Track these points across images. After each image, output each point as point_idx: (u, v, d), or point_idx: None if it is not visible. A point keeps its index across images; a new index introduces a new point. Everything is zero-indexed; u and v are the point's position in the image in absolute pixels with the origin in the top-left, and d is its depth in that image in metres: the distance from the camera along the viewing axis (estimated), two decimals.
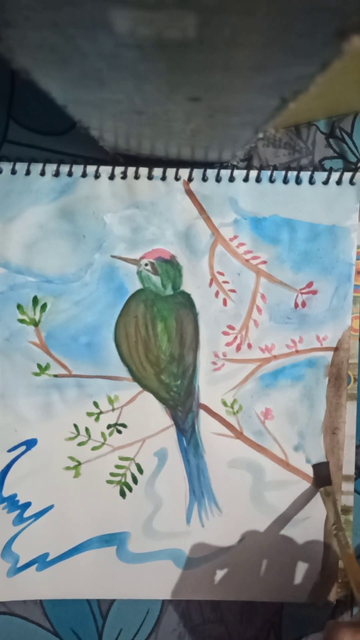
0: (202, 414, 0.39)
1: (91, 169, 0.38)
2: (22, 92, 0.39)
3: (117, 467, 0.39)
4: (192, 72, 0.19)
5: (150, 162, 0.38)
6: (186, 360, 0.39)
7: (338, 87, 0.35)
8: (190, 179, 0.38)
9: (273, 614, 0.40)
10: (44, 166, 0.38)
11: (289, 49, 0.16)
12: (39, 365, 0.38)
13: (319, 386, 0.39)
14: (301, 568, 0.39)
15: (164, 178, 0.38)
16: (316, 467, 0.39)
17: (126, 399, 0.39)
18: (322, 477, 0.39)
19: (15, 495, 0.39)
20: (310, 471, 0.39)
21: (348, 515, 0.40)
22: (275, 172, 0.38)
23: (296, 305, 0.39)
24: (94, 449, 0.39)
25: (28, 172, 0.38)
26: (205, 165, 0.38)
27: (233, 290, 0.39)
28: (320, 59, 0.16)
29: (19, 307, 0.38)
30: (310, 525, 0.39)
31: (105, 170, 0.38)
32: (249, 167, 0.39)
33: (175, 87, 0.21)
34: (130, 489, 0.39)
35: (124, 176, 0.38)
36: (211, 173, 0.38)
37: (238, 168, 0.38)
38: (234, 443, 0.39)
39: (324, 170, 0.39)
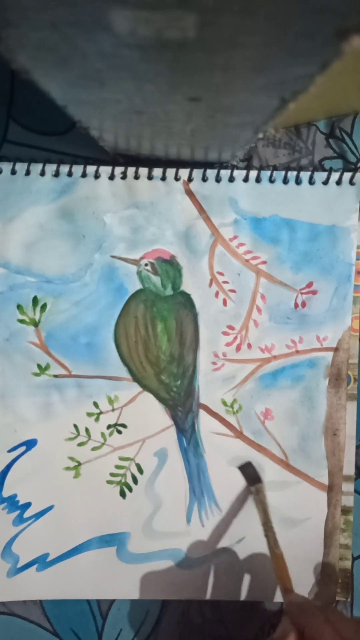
0: (202, 413, 0.39)
1: (91, 169, 0.38)
2: (22, 92, 0.39)
3: (117, 467, 0.39)
4: (192, 72, 0.19)
5: (150, 162, 0.38)
6: (186, 360, 0.39)
7: (338, 87, 0.35)
8: (190, 179, 0.38)
9: (273, 614, 0.40)
10: (43, 166, 0.38)
11: (289, 49, 0.16)
12: (39, 366, 0.38)
13: (319, 387, 0.39)
14: (301, 568, 0.39)
15: (163, 178, 0.38)
16: (242, 468, 0.39)
17: (126, 399, 0.39)
18: (251, 475, 0.39)
19: (15, 496, 0.39)
20: (311, 472, 0.39)
21: (348, 515, 0.40)
22: (275, 172, 0.38)
23: (296, 306, 0.39)
24: (94, 449, 0.39)
25: (28, 172, 0.38)
26: (205, 165, 0.38)
27: (233, 291, 0.39)
28: (320, 59, 0.16)
29: (19, 307, 0.38)
30: (310, 526, 0.39)
31: (105, 170, 0.38)
32: (248, 167, 0.39)
33: (175, 87, 0.21)
34: (130, 489, 0.39)
35: (124, 176, 0.38)
36: (211, 173, 0.38)
37: (238, 168, 0.38)
38: (234, 442, 0.39)
39: (324, 170, 0.39)
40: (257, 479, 0.38)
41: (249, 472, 0.39)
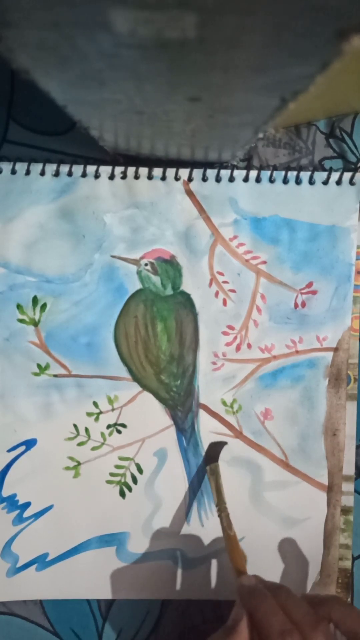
0: (202, 413, 0.39)
1: (91, 169, 0.38)
2: (22, 92, 0.39)
3: (117, 467, 0.39)
4: (192, 72, 0.19)
5: (150, 162, 0.38)
6: (186, 360, 0.39)
7: (338, 87, 0.35)
8: (190, 179, 0.38)
9: None
10: (44, 166, 0.38)
11: (289, 49, 0.16)
12: (39, 365, 0.38)
13: (319, 387, 0.39)
14: (301, 568, 0.39)
15: (163, 178, 0.38)
16: (212, 445, 0.39)
17: (126, 399, 0.39)
18: (210, 454, 0.39)
19: (15, 495, 0.39)
20: (310, 472, 0.39)
21: (348, 515, 0.40)
22: (275, 172, 0.38)
23: (296, 306, 0.39)
24: (93, 449, 0.39)
25: (28, 172, 0.38)
26: (205, 165, 0.38)
27: (233, 291, 0.39)
28: (320, 59, 0.16)
29: (18, 307, 0.38)
30: (310, 526, 0.39)
31: (105, 170, 0.38)
32: (249, 167, 0.39)
33: (175, 87, 0.21)
34: (130, 489, 0.39)
35: (124, 176, 0.38)
36: (211, 173, 0.38)
37: (238, 168, 0.38)
38: (234, 442, 0.39)
39: (324, 170, 0.39)
40: (213, 459, 0.38)
41: (211, 451, 0.39)
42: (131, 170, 0.38)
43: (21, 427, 0.39)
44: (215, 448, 0.39)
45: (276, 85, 0.20)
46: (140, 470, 0.39)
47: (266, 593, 0.30)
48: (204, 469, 0.39)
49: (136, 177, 0.38)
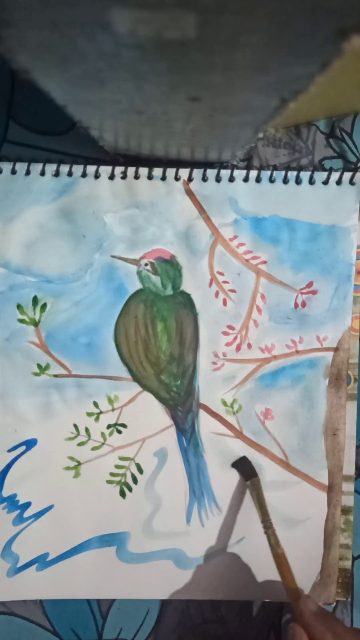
0: (202, 413, 0.39)
1: (91, 169, 0.38)
2: (22, 92, 0.39)
3: (117, 467, 0.39)
4: (192, 72, 0.19)
5: (150, 162, 0.38)
6: (186, 360, 0.39)
7: (338, 87, 0.35)
8: (190, 179, 0.38)
9: (273, 614, 0.40)
10: (44, 166, 0.38)
11: (289, 49, 0.16)
12: (39, 365, 0.38)
13: (319, 387, 0.39)
14: (301, 568, 0.39)
15: (164, 178, 0.38)
16: (236, 464, 0.39)
17: (126, 399, 0.39)
18: (246, 471, 0.38)
19: (15, 495, 0.39)
20: (311, 472, 0.39)
21: (348, 515, 0.40)
22: (275, 172, 0.38)
23: (296, 306, 0.39)
24: (93, 449, 0.39)
25: (28, 172, 0.38)
26: (205, 165, 0.38)
27: (233, 290, 0.39)
28: (320, 59, 0.16)
29: (19, 307, 0.38)
30: (310, 526, 0.39)
31: (105, 170, 0.38)
32: (249, 167, 0.39)
33: (175, 87, 0.21)
34: (130, 489, 0.39)
35: (124, 176, 0.38)
36: (211, 173, 0.38)
37: (238, 168, 0.38)
38: (234, 443, 0.39)
39: (324, 170, 0.39)
40: (252, 474, 0.38)
41: (244, 468, 0.39)
42: (131, 170, 0.38)
43: (21, 427, 0.39)
44: (247, 463, 0.38)
45: (276, 85, 0.20)
46: (140, 470, 0.39)
47: (337, 618, 0.31)
48: (204, 468, 0.39)
49: (136, 177, 0.38)
